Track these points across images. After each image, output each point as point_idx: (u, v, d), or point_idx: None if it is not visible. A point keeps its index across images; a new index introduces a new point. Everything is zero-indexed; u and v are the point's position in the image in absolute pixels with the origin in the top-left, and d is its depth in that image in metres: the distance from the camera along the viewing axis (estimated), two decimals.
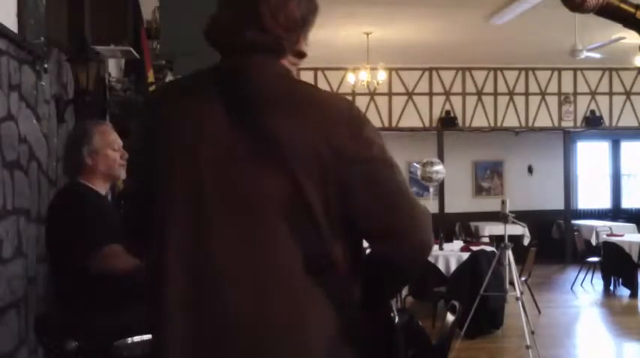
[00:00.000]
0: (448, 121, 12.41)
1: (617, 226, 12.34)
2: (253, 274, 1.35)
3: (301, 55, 1.52)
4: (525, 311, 6.03)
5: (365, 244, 1.47)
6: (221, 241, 1.37)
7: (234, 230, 1.36)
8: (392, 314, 1.56)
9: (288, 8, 1.47)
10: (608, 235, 10.95)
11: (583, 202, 14.67)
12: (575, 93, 12.82)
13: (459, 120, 12.50)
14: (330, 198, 1.35)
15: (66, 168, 3.21)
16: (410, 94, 12.42)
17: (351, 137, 1.37)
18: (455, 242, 9.21)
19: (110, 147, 3.01)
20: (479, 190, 14.33)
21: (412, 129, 12.46)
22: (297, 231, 1.34)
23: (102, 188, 3.05)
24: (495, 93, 12.64)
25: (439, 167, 10.07)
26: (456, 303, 3.64)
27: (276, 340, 1.34)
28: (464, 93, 12.55)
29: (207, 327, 1.36)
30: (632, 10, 1.31)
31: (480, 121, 12.60)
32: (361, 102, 12.25)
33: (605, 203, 14.91)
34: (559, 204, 13.30)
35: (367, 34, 9.59)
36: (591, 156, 14.90)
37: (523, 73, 12.65)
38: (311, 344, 1.36)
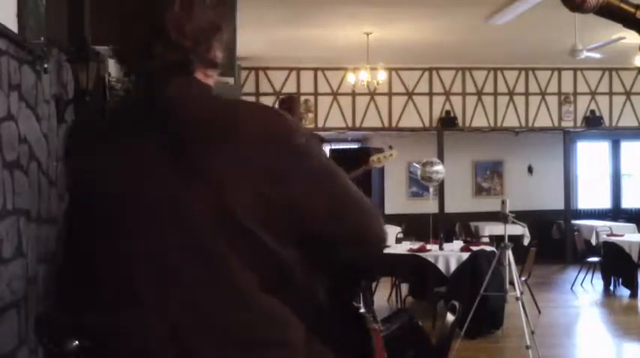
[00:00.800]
0: (448, 121, 12.40)
1: (617, 226, 12.33)
2: (217, 310, 1.32)
3: (214, 64, 1.43)
4: (525, 311, 6.03)
5: None
6: (179, 290, 1.32)
7: (190, 278, 1.31)
8: (357, 306, 1.57)
9: (194, 18, 1.37)
10: (608, 235, 10.95)
11: (583, 202, 14.67)
12: (575, 93, 12.82)
13: (459, 120, 12.50)
14: (274, 217, 1.30)
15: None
16: (410, 94, 12.41)
17: (285, 154, 1.32)
18: (455, 242, 9.21)
19: None
20: (479, 190, 14.33)
21: (412, 129, 12.46)
22: (247, 256, 1.30)
23: None
24: (495, 93, 12.64)
25: (439, 167, 10.07)
26: (456, 303, 3.64)
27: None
28: (464, 93, 12.55)
29: None
30: (632, 10, 1.31)
31: (480, 121, 12.60)
32: (361, 103, 12.26)
33: (605, 203, 14.91)
34: (559, 204, 13.30)
35: (367, 34, 9.59)
36: (591, 156, 14.90)
37: (523, 73, 12.65)
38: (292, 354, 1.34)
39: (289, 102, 5.44)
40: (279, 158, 1.31)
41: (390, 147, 5.44)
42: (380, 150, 5.24)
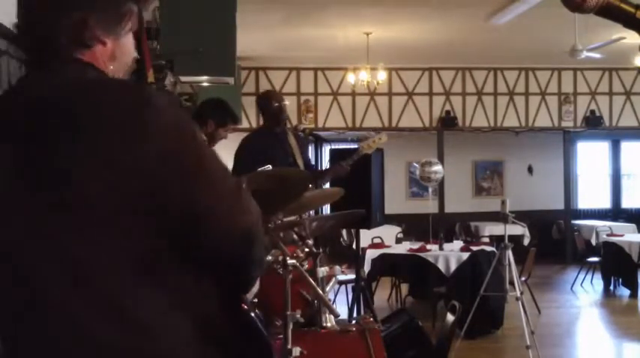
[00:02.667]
0: (448, 121, 12.41)
1: (617, 226, 12.34)
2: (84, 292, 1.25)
3: (85, 45, 1.34)
4: (525, 311, 6.03)
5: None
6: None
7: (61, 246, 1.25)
8: (244, 308, 1.46)
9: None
10: (608, 235, 10.95)
11: (583, 202, 14.67)
12: (575, 93, 12.82)
13: (459, 120, 12.50)
14: (147, 206, 1.24)
15: None
16: (410, 94, 12.42)
17: (135, 126, 1.24)
18: (455, 242, 9.21)
19: None
20: (479, 190, 14.34)
21: (412, 129, 12.47)
22: (122, 237, 1.24)
23: None
24: (495, 93, 12.65)
25: (437, 167, 10.09)
26: (456, 303, 3.65)
27: None
28: (464, 94, 12.55)
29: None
30: (632, 10, 1.31)
31: (480, 121, 12.60)
32: (361, 103, 12.26)
33: (605, 203, 14.92)
34: (559, 204, 13.31)
35: (367, 34, 9.59)
36: (591, 156, 14.90)
37: (523, 73, 12.66)
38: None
39: (264, 96, 5.37)
40: (129, 132, 1.24)
41: (378, 132, 5.37)
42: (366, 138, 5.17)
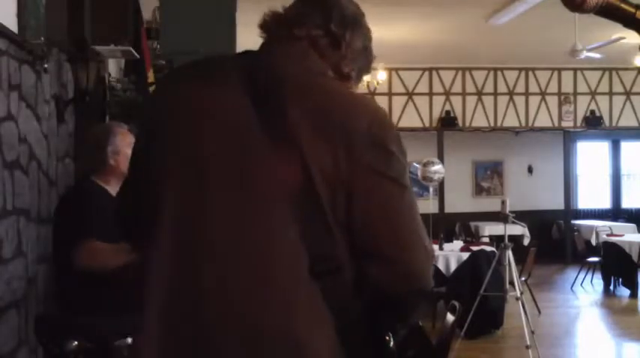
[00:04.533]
0: (448, 121, 12.41)
1: (617, 226, 12.34)
2: (251, 272, 1.28)
3: (346, 76, 1.49)
4: (525, 311, 6.03)
5: None
6: (222, 230, 1.29)
7: (238, 218, 1.29)
8: (387, 338, 1.49)
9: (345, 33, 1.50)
10: (608, 235, 10.95)
11: (583, 202, 14.67)
12: (575, 93, 12.82)
13: (459, 120, 12.50)
14: (339, 201, 1.29)
15: (85, 166, 3.22)
16: (410, 94, 12.42)
17: (371, 145, 1.32)
18: (455, 242, 9.21)
19: (130, 148, 3.03)
20: (479, 190, 14.33)
21: (412, 129, 12.45)
22: (306, 228, 1.27)
23: (115, 189, 3.06)
24: (495, 93, 12.64)
25: (438, 167, 10.09)
26: (456, 303, 3.64)
27: (270, 349, 1.26)
28: (464, 94, 12.55)
29: (188, 327, 1.28)
30: (632, 10, 1.31)
31: (480, 121, 12.60)
32: None
33: (605, 203, 14.91)
34: (559, 204, 13.30)
35: None
36: (591, 156, 14.90)
37: (523, 73, 12.65)
38: (308, 354, 1.28)
39: None
40: (365, 147, 1.31)
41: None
42: None
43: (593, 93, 12.83)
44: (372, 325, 1.40)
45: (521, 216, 7.78)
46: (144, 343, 1.32)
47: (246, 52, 1.50)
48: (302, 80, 1.37)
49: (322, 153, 1.28)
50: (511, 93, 12.66)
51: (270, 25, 1.52)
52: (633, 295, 9.52)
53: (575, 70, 12.64)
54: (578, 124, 12.85)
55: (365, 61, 1.54)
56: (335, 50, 1.45)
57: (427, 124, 12.47)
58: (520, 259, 7.85)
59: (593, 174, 14.91)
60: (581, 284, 10.43)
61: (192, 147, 1.34)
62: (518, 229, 10.40)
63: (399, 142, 1.37)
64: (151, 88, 5.22)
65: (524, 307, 6.07)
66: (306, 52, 1.43)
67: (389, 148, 1.34)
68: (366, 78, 10.32)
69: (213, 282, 1.28)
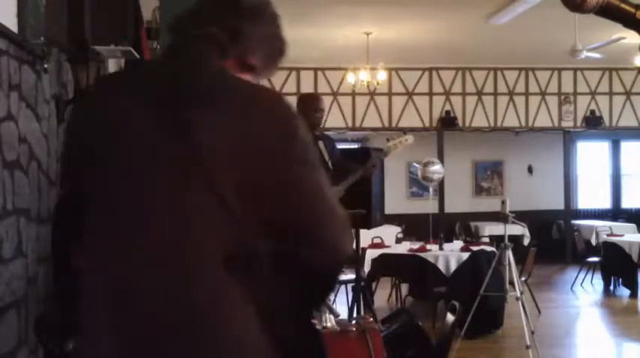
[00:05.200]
0: (448, 121, 12.41)
1: (617, 226, 12.34)
2: (174, 272, 1.32)
3: (246, 65, 1.50)
4: (525, 311, 6.03)
5: None
6: (141, 249, 1.34)
7: (155, 235, 1.33)
8: (314, 324, 1.53)
9: (247, 26, 1.48)
10: (608, 235, 10.96)
11: (583, 202, 14.67)
12: (575, 93, 12.82)
13: (459, 120, 12.50)
14: (254, 196, 1.32)
15: None
16: (410, 94, 12.42)
17: (276, 135, 1.35)
18: (455, 242, 9.22)
19: None
20: (479, 190, 14.34)
21: (412, 129, 12.43)
22: (222, 225, 1.31)
23: None
24: (495, 93, 12.65)
25: (437, 167, 10.11)
26: (456, 303, 3.65)
27: (203, 345, 1.31)
28: (464, 94, 12.55)
29: (131, 336, 1.33)
30: (632, 10, 1.31)
31: (480, 121, 12.60)
32: (361, 103, 12.26)
33: (605, 203, 14.92)
34: (559, 204, 13.31)
35: (367, 34, 9.59)
36: (591, 156, 14.90)
37: (523, 73, 12.66)
38: (239, 349, 1.33)
39: (305, 99, 5.42)
40: (271, 137, 1.34)
41: (405, 133, 5.49)
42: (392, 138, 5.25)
43: (593, 93, 12.84)
44: (298, 310, 1.46)
45: (521, 216, 7.78)
46: (87, 344, 1.39)
47: (155, 61, 1.53)
48: (203, 84, 1.39)
49: (228, 152, 1.31)
50: (511, 94, 12.66)
51: (173, 28, 1.53)
52: (633, 295, 9.52)
53: (575, 70, 12.65)
54: (578, 124, 12.85)
55: (272, 48, 1.55)
56: (236, 43, 1.46)
57: (427, 124, 12.47)
58: (520, 259, 7.86)
59: (593, 174, 14.92)
60: (581, 284, 10.43)
61: (105, 159, 1.40)
62: (518, 229, 10.41)
63: (301, 125, 1.40)
64: None
65: (524, 307, 6.07)
66: (205, 53, 1.45)
67: (293, 133, 1.38)
68: (366, 78, 10.33)
69: (145, 284, 1.33)
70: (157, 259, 1.32)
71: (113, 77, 1.56)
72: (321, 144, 5.07)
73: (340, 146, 6.13)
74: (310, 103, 5.18)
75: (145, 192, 1.35)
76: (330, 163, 5.04)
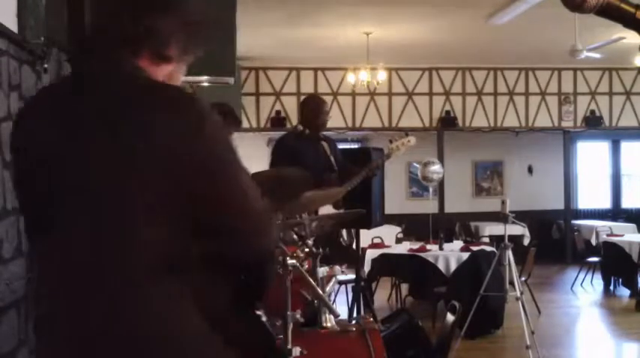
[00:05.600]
0: (448, 121, 12.41)
1: (617, 226, 12.34)
2: (109, 283, 1.34)
3: (164, 57, 1.47)
4: (525, 311, 6.03)
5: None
6: (78, 253, 1.36)
7: (91, 241, 1.35)
8: (258, 313, 1.57)
9: (157, 13, 1.45)
10: (608, 235, 10.96)
11: (583, 202, 14.67)
12: (575, 93, 12.82)
13: (459, 120, 12.50)
14: (182, 199, 1.34)
15: None
16: (410, 94, 12.42)
17: (194, 135, 1.35)
18: (455, 242, 9.21)
19: None
20: (479, 190, 14.34)
21: (412, 129, 12.40)
22: (153, 234, 1.33)
23: None
24: (495, 93, 12.65)
25: (436, 167, 10.13)
26: (456, 303, 3.65)
27: (141, 351, 1.33)
28: (464, 93, 12.55)
29: (68, 344, 1.35)
30: (632, 10, 1.31)
31: (480, 121, 12.60)
32: (361, 102, 12.26)
33: (605, 203, 14.92)
34: (559, 204, 13.31)
35: (367, 34, 9.59)
36: (591, 156, 14.90)
37: (523, 73, 12.66)
38: (179, 351, 1.35)
39: (317, 101, 5.44)
40: (189, 139, 1.34)
41: (407, 134, 5.50)
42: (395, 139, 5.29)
43: (593, 94, 12.84)
44: (239, 304, 1.50)
45: (521, 216, 7.79)
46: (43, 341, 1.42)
47: (70, 76, 1.52)
48: (114, 97, 1.39)
49: (154, 162, 1.33)
50: (511, 94, 12.66)
51: (84, 42, 1.52)
52: (633, 295, 9.51)
53: (575, 70, 12.65)
54: (578, 124, 12.85)
55: (188, 37, 1.50)
56: (145, 40, 1.44)
57: (427, 124, 12.47)
58: (520, 259, 7.86)
59: (593, 174, 14.92)
60: (581, 285, 10.43)
61: (34, 179, 1.44)
62: (518, 229, 10.41)
63: (215, 121, 1.40)
64: None
65: (524, 307, 6.07)
66: (116, 57, 1.43)
67: (209, 133, 1.38)
68: (366, 78, 10.34)
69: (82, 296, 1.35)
70: (87, 262, 1.35)
71: (39, 95, 1.56)
72: (325, 145, 5.08)
73: (340, 146, 6.13)
74: (321, 105, 5.23)
75: (74, 199, 1.37)
76: (335, 165, 5.05)
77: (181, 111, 1.37)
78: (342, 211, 4.52)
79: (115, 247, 1.34)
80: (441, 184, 11.63)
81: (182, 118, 1.36)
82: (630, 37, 5.30)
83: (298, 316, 2.68)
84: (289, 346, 2.60)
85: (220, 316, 1.43)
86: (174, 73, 1.51)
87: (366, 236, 7.70)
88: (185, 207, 1.34)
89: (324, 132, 5.37)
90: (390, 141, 5.35)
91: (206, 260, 1.39)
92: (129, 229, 1.33)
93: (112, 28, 1.44)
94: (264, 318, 1.58)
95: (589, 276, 10.45)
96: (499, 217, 6.63)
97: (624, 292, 9.83)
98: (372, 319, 3.47)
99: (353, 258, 5.78)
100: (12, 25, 3.24)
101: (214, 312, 1.40)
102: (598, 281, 10.40)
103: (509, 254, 6.35)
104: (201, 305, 1.38)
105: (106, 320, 1.32)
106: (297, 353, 2.62)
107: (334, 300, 7.22)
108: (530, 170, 14.37)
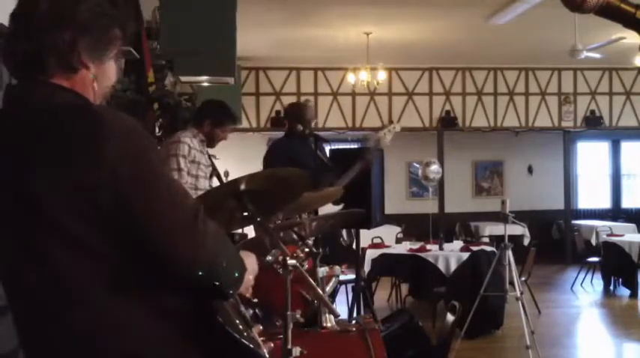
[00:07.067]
0: (448, 121, 12.41)
1: (617, 226, 12.34)
2: (58, 313, 1.38)
3: (70, 67, 1.42)
4: (525, 311, 6.03)
5: None
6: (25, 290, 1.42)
7: (30, 283, 1.39)
8: (217, 318, 1.54)
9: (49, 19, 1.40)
10: (608, 235, 10.95)
11: (583, 202, 14.68)
12: (575, 93, 12.82)
13: (459, 120, 12.50)
14: (112, 228, 1.34)
15: None
16: (410, 94, 12.42)
17: (93, 163, 1.32)
18: (455, 242, 9.21)
19: None
20: (479, 190, 14.34)
21: (412, 129, 12.47)
22: (90, 263, 1.35)
23: None
24: (495, 93, 12.65)
25: (434, 167, 10.14)
26: (456, 303, 3.65)
27: None
28: (464, 94, 12.55)
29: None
30: (632, 10, 1.31)
31: (480, 121, 12.60)
32: (361, 103, 12.26)
33: (605, 203, 14.92)
34: (559, 204, 13.31)
35: (367, 34, 9.59)
36: (591, 156, 14.90)
37: (523, 73, 12.66)
38: None
39: (292, 108, 5.44)
40: (87, 172, 1.32)
41: (391, 122, 5.56)
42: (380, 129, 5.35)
43: (593, 94, 12.84)
44: (204, 315, 1.49)
45: (521, 216, 7.78)
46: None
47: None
48: (30, 124, 1.38)
49: (65, 194, 1.32)
50: (511, 94, 12.66)
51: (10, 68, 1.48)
52: (633, 295, 9.52)
53: (575, 70, 12.65)
54: (578, 124, 12.85)
55: (93, 39, 1.44)
56: (48, 56, 1.40)
57: (427, 124, 12.47)
58: (520, 259, 7.85)
59: (593, 174, 14.92)
60: (581, 285, 10.43)
61: None
62: (518, 229, 10.41)
63: (143, 136, 1.38)
64: (151, 88, 5.23)
65: (524, 307, 6.07)
66: (24, 87, 1.42)
67: (137, 154, 1.35)
68: (366, 78, 10.34)
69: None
70: (37, 301, 1.40)
71: None
72: (311, 144, 5.06)
73: (340, 146, 6.14)
74: (302, 105, 5.27)
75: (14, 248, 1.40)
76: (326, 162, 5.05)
77: (74, 139, 1.33)
78: (342, 211, 4.51)
79: (61, 283, 1.37)
80: (441, 184, 11.63)
81: (78, 147, 1.33)
82: (630, 37, 5.30)
83: (298, 316, 2.68)
84: (289, 346, 2.59)
85: (182, 330, 1.43)
86: (98, 76, 1.47)
87: (366, 236, 7.69)
88: (121, 233, 1.34)
89: (326, 132, 5.39)
90: (376, 132, 5.41)
91: (153, 278, 1.39)
92: (69, 265, 1.35)
93: (16, 52, 1.41)
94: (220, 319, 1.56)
95: (589, 276, 10.45)
96: (499, 217, 6.63)
97: (624, 292, 9.83)
98: (372, 319, 3.46)
99: (353, 257, 5.78)
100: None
101: (175, 327, 1.42)
102: (598, 281, 10.40)
103: (509, 254, 6.35)
104: (160, 321, 1.39)
105: (63, 342, 1.39)
106: (297, 353, 2.62)
107: (334, 300, 7.22)
108: (530, 170, 14.37)
